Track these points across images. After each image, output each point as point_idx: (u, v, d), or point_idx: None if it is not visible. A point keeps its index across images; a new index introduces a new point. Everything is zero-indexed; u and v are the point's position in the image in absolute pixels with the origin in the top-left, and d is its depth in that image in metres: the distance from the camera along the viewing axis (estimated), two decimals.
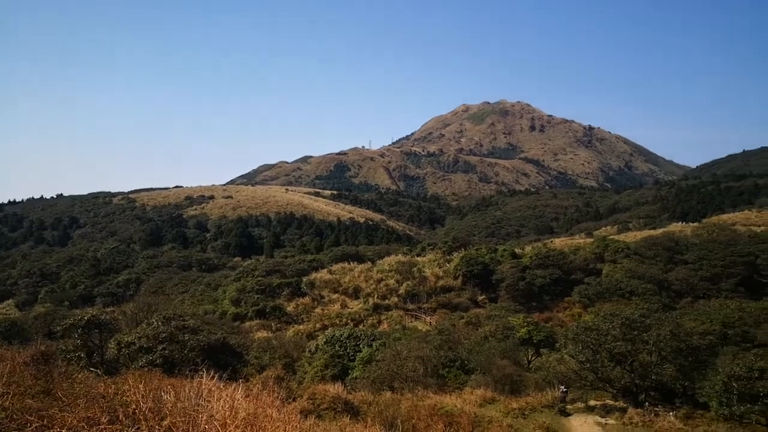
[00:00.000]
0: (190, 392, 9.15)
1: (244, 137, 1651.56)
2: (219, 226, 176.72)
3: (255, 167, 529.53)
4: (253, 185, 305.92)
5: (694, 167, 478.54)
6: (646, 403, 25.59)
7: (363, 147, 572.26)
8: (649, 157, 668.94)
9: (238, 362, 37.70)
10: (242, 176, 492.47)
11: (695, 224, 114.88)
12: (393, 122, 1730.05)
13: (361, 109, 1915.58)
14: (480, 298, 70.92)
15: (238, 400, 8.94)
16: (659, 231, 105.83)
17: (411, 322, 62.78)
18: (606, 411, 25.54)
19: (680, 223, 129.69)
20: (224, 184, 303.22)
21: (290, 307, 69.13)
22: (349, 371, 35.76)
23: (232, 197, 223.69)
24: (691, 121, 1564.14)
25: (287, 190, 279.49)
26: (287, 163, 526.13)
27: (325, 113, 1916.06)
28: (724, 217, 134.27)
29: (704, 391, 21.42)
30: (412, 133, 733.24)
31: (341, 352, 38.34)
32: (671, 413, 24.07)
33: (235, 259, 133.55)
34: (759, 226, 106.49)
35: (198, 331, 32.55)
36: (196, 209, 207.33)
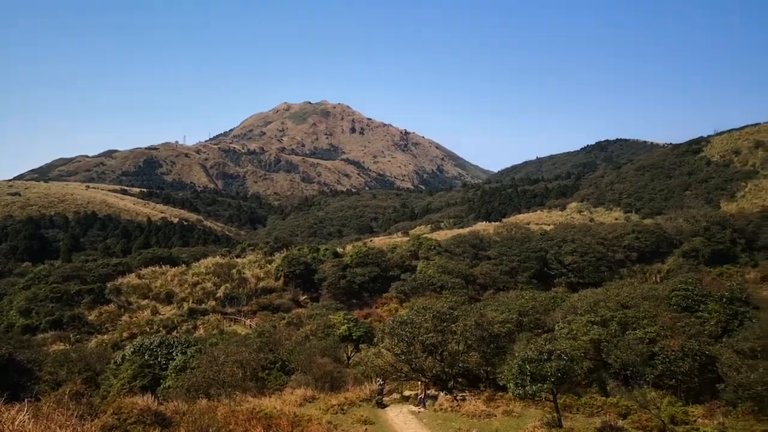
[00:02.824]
0: None
1: (34, 126, 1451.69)
2: (4, 227, 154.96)
3: (49, 161, 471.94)
4: (46, 181, 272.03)
5: (497, 171, 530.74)
6: (455, 390, 27.58)
7: (177, 142, 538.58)
8: (458, 161, 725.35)
9: (28, 380, 33.60)
10: (33, 171, 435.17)
11: (497, 223, 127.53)
12: (210, 117, 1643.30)
13: (174, 101, 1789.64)
14: (302, 298, 71.06)
15: (23, 422, 7.90)
16: (466, 230, 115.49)
17: (230, 325, 60.88)
18: (419, 400, 27.00)
19: (484, 222, 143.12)
20: (10, 180, 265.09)
21: (92, 316, 63.33)
22: (162, 381, 33.64)
23: (20, 194, 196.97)
24: (492, 129, 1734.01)
25: (88, 187, 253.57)
26: (88, 157, 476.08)
27: (132, 104, 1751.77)
28: (521, 216, 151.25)
29: (503, 374, 23.57)
30: (231, 130, 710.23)
31: (152, 362, 35.83)
32: (476, 397, 26.22)
33: (24, 264, 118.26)
34: (548, 224, 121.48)
35: None
36: None
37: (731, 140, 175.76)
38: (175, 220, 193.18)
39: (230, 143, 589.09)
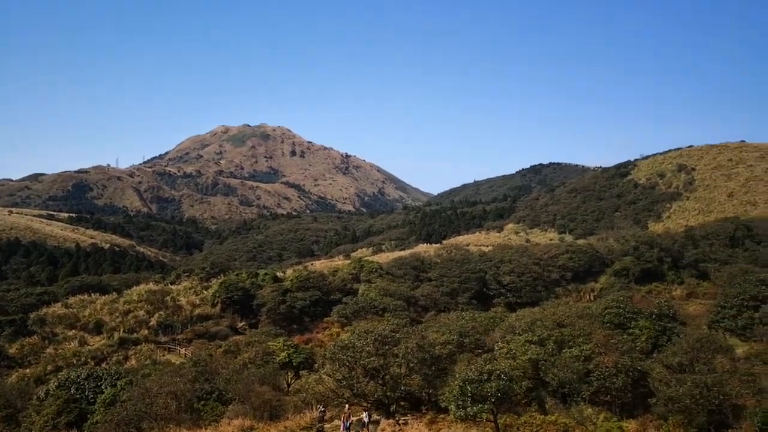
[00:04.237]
0: None
1: None
2: None
3: None
4: None
5: (437, 194, 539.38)
6: (397, 414, 27.28)
7: (108, 165, 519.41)
8: (398, 184, 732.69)
9: None
10: None
11: (437, 245, 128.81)
12: (144, 140, 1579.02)
13: (107, 124, 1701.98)
14: (240, 324, 69.20)
15: None
16: (407, 252, 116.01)
17: (164, 355, 58.55)
18: (361, 425, 26.53)
19: (425, 244, 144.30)
20: None
21: (13, 349, 59.75)
22: (89, 416, 31.84)
23: None
24: (431, 152, 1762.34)
25: (11, 212, 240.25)
26: (12, 181, 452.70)
27: (61, 126, 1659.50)
28: (460, 238, 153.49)
29: (445, 396, 23.54)
30: (167, 153, 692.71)
31: (78, 396, 33.96)
32: (418, 420, 26.00)
33: None
34: (487, 246, 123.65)
35: None
36: None
37: (656, 164, 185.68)
38: (106, 246, 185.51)
39: (165, 166, 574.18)
